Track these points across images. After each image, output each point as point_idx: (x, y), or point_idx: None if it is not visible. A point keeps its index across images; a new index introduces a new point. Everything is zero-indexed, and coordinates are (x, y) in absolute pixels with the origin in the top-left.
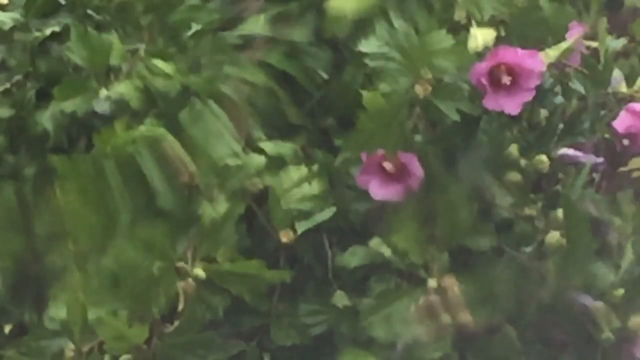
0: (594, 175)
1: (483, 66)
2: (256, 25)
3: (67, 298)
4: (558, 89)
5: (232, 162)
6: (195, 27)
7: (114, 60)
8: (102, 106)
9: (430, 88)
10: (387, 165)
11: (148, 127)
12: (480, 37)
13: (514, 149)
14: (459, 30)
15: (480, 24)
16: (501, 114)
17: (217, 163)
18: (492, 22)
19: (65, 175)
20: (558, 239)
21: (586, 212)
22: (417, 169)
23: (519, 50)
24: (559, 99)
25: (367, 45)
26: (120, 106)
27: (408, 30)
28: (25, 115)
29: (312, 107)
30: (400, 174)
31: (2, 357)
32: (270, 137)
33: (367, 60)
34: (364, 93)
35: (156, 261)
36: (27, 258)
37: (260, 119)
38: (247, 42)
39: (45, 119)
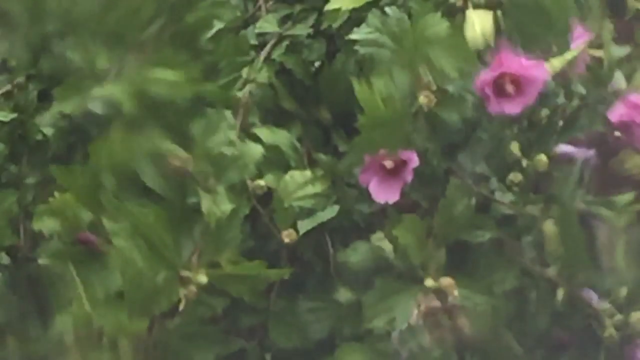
0: (587, 168)
1: (487, 77)
2: (269, 24)
3: (73, 312)
4: (559, 90)
5: (228, 151)
6: (217, 25)
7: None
8: (96, 106)
9: (434, 99)
10: (388, 163)
11: (153, 141)
12: (478, 23)
13: (515, 148)
14: (455, 13)
15: (477, 6)
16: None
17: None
18: (489, 5)
19: (65, 186)
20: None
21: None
22: (413, 159)
23: (524, 60)
24: (561, 99)
25: (359, 33)
26: (114, 109)
27: (401, 16)
28: (27, 120)
29: (304, 96)
30: (398, 170)
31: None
32: (265, 124)
33: (357, 47)
34: (356, 86)
35: (162, 270)
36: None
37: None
38: (261, 42)
39: (45, 123)
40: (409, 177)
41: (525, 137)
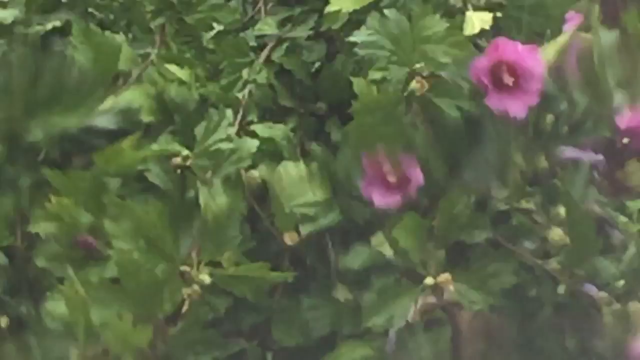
0: (595, 173)
1: (484, 62)
2: (268, 26)
3: (67, 295)
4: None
5: (225, 146)
6: (217, 27)
7: (122, 64)
8: (107, 120)
9: (426, 85)
10: (391, 177)
11: (161, 145)
12: (478, 24)
13: (518, 157)
14: (454, 15)
15: (477, 8)
16: (507, 120)
17: (212, 148)
18: (489, 6)
19: (61, 191)
20: (561, 235)
21: (589, 210)
22: (418, 176)
23: (519, 45)
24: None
25: (359, 35)
26: (131, 120)
27: (400, 18)
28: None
29: (303, 94)
30: (401, 183)
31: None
32: (261, 120)
33: (357, 49)
34: (354, 80)
35: (160, 263)
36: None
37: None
38: (260, 44)
39: (36, 128)
40: (413, 190)
41: (529, 144)
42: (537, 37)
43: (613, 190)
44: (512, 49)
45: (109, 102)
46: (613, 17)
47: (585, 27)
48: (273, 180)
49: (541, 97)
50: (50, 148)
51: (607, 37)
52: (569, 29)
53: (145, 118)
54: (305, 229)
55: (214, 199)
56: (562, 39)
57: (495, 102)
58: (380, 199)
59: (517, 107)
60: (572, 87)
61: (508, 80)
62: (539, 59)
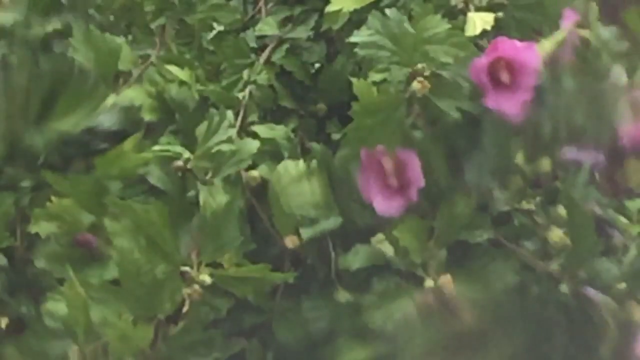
0: (595, 172)
1: (483, 61)
2: (269, 27)
3: (67, 294)
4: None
5: (226, 147)
6: (217, 27)
7: (122, 65)
8: (109, 119)
9: (428, 85)
10: (392, 181)
11: (163, 147)
12: (480, 25)
13: (519, 158)
14: (456, 16)
15: (479, 9)
16: (507, 120)
17: (213, 150)
18: (491, 7)
19: (62, 193)
20: (562, 237)
21: (589, 211)
22: (419, 178)
23: (518, 43)
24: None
25: (359, 35)
26: (132, 120)
27: (401, 18)
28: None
29: (303, 95)
30: (402, 187)
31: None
32: (262, 121)
33: (357, 49)
34: (354, 81)
35: (160, 262)
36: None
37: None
38: (261, 45)
39: (36, 132)
40: (414, 195)
41: (529, 144)
42: (535, 35)
43: (613, 190)
44: (510, 46)
45: (111, 100)
46: (611, 15)
47: (583, 24)
48: (273, 180)
49: (539, 103)
50: (51, 151)
51: (606, 33)
52: (566, 25)
53: (146, 117)
54: (305, 234)
55: (213, 197)
56: (559, 35)
57: (493, 102)
58: (382, 205)
59: (511, 105)
60: (567, 84)
61: (506, 78)
62: (535, 55)
